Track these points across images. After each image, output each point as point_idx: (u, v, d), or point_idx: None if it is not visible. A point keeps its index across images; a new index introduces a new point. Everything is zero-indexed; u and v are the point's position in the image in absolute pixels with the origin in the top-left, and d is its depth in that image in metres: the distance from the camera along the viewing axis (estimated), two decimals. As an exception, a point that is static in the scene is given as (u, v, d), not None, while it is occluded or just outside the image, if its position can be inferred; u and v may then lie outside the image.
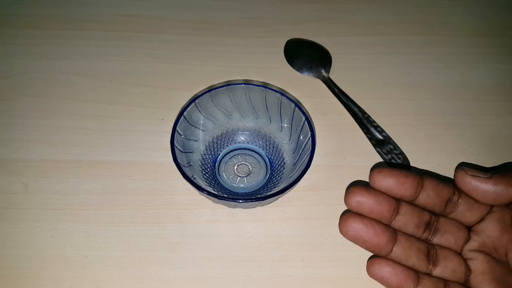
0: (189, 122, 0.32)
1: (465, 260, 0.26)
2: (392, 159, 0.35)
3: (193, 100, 0.32)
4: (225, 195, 0.30)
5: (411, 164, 0.35)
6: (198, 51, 0.42)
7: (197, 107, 0.32)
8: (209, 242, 0.31)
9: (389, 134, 0.36)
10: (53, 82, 0.39)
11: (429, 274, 0.26)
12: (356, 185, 0.25)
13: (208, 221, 0.32)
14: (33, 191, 0.33)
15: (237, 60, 0.41)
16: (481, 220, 0.26)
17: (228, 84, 0.33)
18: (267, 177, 0.34)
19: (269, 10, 0.45)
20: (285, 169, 0.33)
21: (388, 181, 0.25)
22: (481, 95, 0.39)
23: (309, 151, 0.30)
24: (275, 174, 0.34)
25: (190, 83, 0.39)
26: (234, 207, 0.32)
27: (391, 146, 0.36)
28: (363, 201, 0.25)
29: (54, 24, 0.43)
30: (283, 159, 0.34)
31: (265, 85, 0.33)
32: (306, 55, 0.41)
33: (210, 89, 0.32)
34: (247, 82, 0.36)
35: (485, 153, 0.36)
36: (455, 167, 0.34)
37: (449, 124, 0.37)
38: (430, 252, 0.26)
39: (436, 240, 0.26)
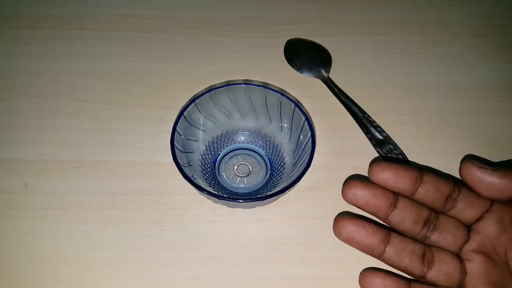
0: (189, 122, 0.32)
1: (462, 261, 0.26)
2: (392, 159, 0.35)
3: (193, 100, 0.32)
4: (225, 195, 0.30)
5: (411, 165, 0.35)
6: (198, 51, 0.42)
7: (197, 107, 0.32)
8: (209, 242, 0.31)
9: (389, 134, 0.36)
10: (53, 82, 0.39)
11: (423, 277, 0.25)
12: (353, 179, 0.25)
13: (208, 221, 0.32)
14: (33, 191, 0.33)
15: (237, 60, 0.41)
16: (480, 218, 0.26)
17: (228, 84, 0.33)
18: (267, 177, 0.34)
19: (269, 10, 0.45)
20: (285, 169, 0.33)
21: (387, 174, 0.25)
22: (481, 95, 0.39)
23: (309, 151, 0.30)
24: (275, 174, 0.34)
25: (190, 83, 0.39)
26: (234, 207, 0.32)
27: (391, 146, 0.36)
28: (359, 193, 0.25)
29: (54, 24, 0.43)
30: (283, 159, 0.34)
31: (265, 85, 0.33)
32: (306, 55, 0.41)
33: (210, 89, 0.32)
34: (247, 82, 0.36)
35: (485, 153, 0.36)
36: (454, 167, 0.34)
37: (449, 124, 0.37)
38: (426, 254, 0.25)
39: (434, 238, 0.26)
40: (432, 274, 0.25)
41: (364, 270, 0.26)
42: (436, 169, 0.35)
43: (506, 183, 0.25)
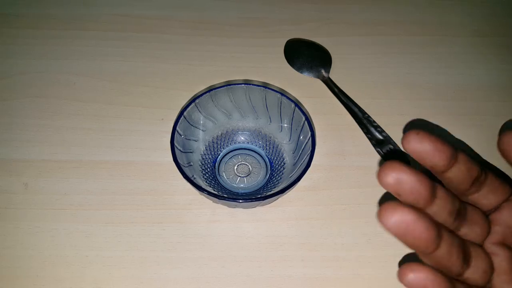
0: (189, 122, 0.32)
1: (489, 256, 0.23)
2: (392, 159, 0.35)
3: (193, 100, 0.32)
4: (225, 195, 0.30)
5: (411, 164, 0.35)
6: (198, 51, 0.42)
7: (197, 107, 0.32)
8: (209, 242, 0.31)
9: (389, 134, 0.36)
10: (53, 82, 0.39)
11: (460, 275, 0.22)
12: (389, 161, 0.21)
13: (208, 221, 0.32)
14: (33, 191, 0.33)
15: (237, 60, 0.41)
16: (500, 208, 0.24)
17: (228, 84, 0.33)
18: (267, 177, 0.34)
19: (269, 10, 0.45)
20: (285, 169, 0.33)
21: (425, 146, 0.21)
22: (481, 95, 0.39)
23: (309, 151, 0.30)
24: (275, 174, 0.34)
25: (190, 83, 0.39)
26: (234, 207, 0.32)
27: (391, 146, 0.36)
28: (404, 178, 0.20)
29: (54, 24, 0.43)
30: (283, 159, 0.34)
31: (265, 85, 0.33)
32: (306, 55, 0.41)
33: (210, 89, 0.32)
34: (247, 82, 0.36)
35: (485, 153, 0.36)
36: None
37: (449, 124, 0.37)
38: (466, 249, 0.22)
39: (464, 230, 0.23)
40: (469, 273, 0.22)
41: (405, 264, 0.21)
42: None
43: None
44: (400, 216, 0.20)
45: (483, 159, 0.24)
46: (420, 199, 0.21)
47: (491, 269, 0.23)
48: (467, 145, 0.36)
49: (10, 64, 0.40)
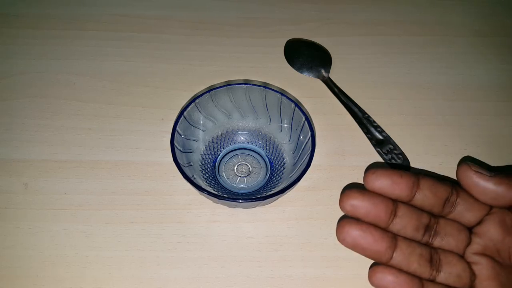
0: (189, 122, 0.32)
1: (468, 264, 0.25)
2: (392, 159, 0.35)
3: (193, 100, 0.32)
4: (225, 195, 0.30)
5: (411, 164, 0.35)
6: (198, 51, 0.42)
7: (197, 107, 0.32)
8: (209, 242, 0.31)
9: (389, 134, 0.36)
10: (53, 82, 0.39)
11: (432, 280, 0.24)
12: (350, 188, 0.24)
13: (208, 221, 0.32)
14: (33, 191, 0.33)
15: (237, 60, 0.41)
16: (482, 221, 0.25)
17: (228, 84, 0.33)
18: (267, 177, 0.34)
19: (269, 10, 0.45)
20: (285, 169, 0.33)
21: (383, 182, 0.24)
22: (481, 95, 0.39)
23: (309, 151, 0.30)
24: (275, 174, 0.34)
25: (190, 83, 0.39)
26: (234, 207, 0.32)
27: (391, 146, 0.36)
28: (358, 204, 0.23)
29: (54, 24, 0.43)
30: (283, 159, 0.34)
31: (265, 85, 0.33)
32: (306, 55, 0.41)
33: (210, 89, 0.32)
34: (247, 82, 0.36)
35: (485, 153, 0.36)
36: (454, 167, 0.34)
37: (449, 124, 0.37)
38: (433, 257, 0.25)
39: (436, 243, 0.25)
40: (442, 277, 0.24)
41: (373, 266, 0.25)
42: (436, 170, 0.35)
43: (502, 190, 0.24)
44: (347, 232, 0.23)
45: (453, 180, 0.26)
46: (378, 220, 0.24)
47: (469, 274, 0.24)
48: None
49: (10, 64, 0.40)
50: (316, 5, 0.46)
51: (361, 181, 0.34)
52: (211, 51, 0.42)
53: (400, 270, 0.24)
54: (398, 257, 0.24)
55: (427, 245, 0.25)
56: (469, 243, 0.25)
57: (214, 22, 0.44)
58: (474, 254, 0.25)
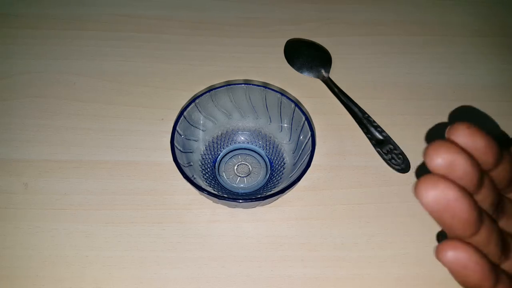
0: (189, 122, 0.32)
1: None
2: (392, 159, 0.35)
3: (193, 100, 0.32)
4: (225, 195, 0.30)
5: (411, 164, 0.35)
6: (198, 51, 0.42)
7: (197, 107, 0.32)
8: (209, 242, 0.31)
9: (389, 134, 0.36)
10: (53, 82, 0.39)
11: (497, 267, 0.20)
12: (439, 140, 0.19)
13: (208, 221, 0.32)
14: (33, 191, 0.33)
15: (237, 60, 0.41)
16: None
17: (228, 84, 0.32)
18: (267, 177, 0.34)
19: (269, 10, 0.45)
20: (285, 169, 0.33)
21: (477, 142, 0.19)
22: (481, 95, 0.39)
23: (309, 151, 0.30)
24: (275, 174, 0.33)
25: (190, 83, 0.39)
26: (234, 207, 0.32)
27: (391, 146, 0.36)
28: (458, 160, 0.18)
29: (54, 24, 0.43)
30: (283, 159, 0.34)
31: (265, 85, 0.33)
32: (306, 55, 0.41)
33: (210, 89, 0.32)
34: (247, 82, 0.36)
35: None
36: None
37: (449, 124, 0.37)
38: (506, 239, 0.20)
39: (502, 223, 0.21)
40: (508, 265, 0.21)
41: (446, 240, 0.19)
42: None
43: None
44: (441, 191, 0.18)
45: None
46: (470, 185, 0.19)
47: None
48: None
49: (10, 64, 0.40)
50: (316, 5, 0.46)
51: (361, 181, 0.34)
52: (211, 51, 0.42)
53: (475, 248, 0.19)
54: (483, 234, 0.19)
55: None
56: None
57: (214, 22, 0.44)
58: None
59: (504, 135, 0.38)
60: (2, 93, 0.38)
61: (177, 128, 0.30)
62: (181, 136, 0.31)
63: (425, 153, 0.18)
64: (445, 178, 0.18)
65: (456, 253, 0.18)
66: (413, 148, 0.36)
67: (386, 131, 0.36)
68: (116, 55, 0.41)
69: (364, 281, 0.30)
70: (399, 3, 0.46)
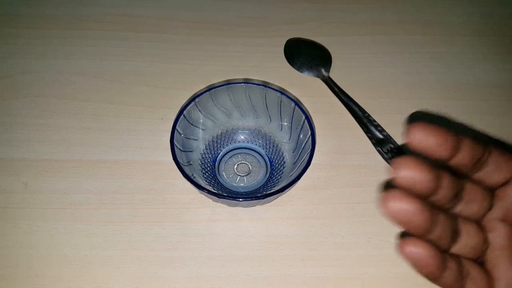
0: (188, 121, 0.32)
1: (484, 231, 0.23)
2: (393, 158, 0.35)
3: (193, 99, 0.32)
4: (225, 194, 0.30)
5: (411, 163, 0.35)
6: (198, 51, 0.42)
7: (197, 106, 0.32)
8: (209, 241, 0.31)
9: (389, 133, 0.36)
10: (53, 82, 0.39)
11: (446, 250, 0.23)
12: (403, 156, 0.21)
13: (208, 220, 0.32)
14: (33, 190, 0.33)
15: (237, 60, 0.41)
16: (507, 183, 0.23)
17: (228, 83, 0.32)
18: (267, 176, 0.34)
19: (269, 10, 0.45)
20: (285, 168, 0.33)
21: (432, 139, 0.21)
22: (481, 95, 0.39)
23: (309, 150, 0.30)
24: (275, 173, 0.33)
25: (190, 82, 0.39)
26: (234, 206, 0.32)
27: (391, 145, 0.36)
28: (417, 176, 0.20)
29: (54, 24, 0.43)
30: (283, 158, 0.34)
31: (265, 84, 0.33)
32: (306, 55, 0.41)
33: (210, 88, 0.32)
34: (247, 81, 0.36)
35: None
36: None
37: (448, 123, 0.37)
38: (457, 228, 0.23)
39: (459, 208, 0.23)
40: (457, 248, 0.23)
41: (405, 238, 0.22)
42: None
43: None
44: (400, 206, 0.21)
45: (490, 137, 0.23)
46: (428, 191, 0.21)
47: (480, 246, 0.23)
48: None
49: (10, 64, 0.40)
50: (316, 5, 0.46)
51: (361, 180, 0.34)
52: (211, 51, 0.42)
53: (427, 243, 0.22)
54: (437, 232, 0.22)
55: (448, 212, 0.23)
56: (490, 208, 0.24)
57: (214, 22, 0.44)
58: (493, 219, 0.23)
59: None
60: (3, 93, 0.38)
61: (177, 127, 0.30)
62: (180, 135, 0.31)
63: (392, 169, 0.21)
64: (404, 194, 0.21)
65: (412, 248, 0.22)
66: (413, 147, 0.36)
67: (386, 130, 0.36)
68: (116, 54, 0.41)
69: (364, 280, 0.30)
70: (399, 3, 0.46)
